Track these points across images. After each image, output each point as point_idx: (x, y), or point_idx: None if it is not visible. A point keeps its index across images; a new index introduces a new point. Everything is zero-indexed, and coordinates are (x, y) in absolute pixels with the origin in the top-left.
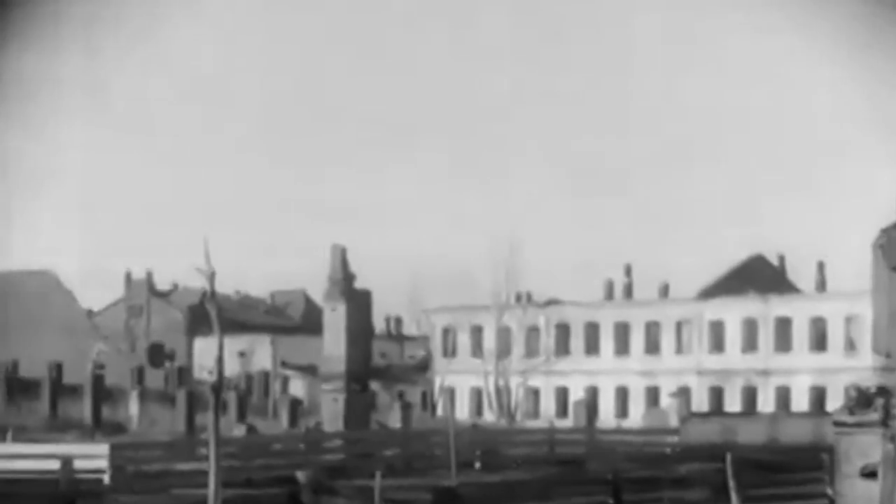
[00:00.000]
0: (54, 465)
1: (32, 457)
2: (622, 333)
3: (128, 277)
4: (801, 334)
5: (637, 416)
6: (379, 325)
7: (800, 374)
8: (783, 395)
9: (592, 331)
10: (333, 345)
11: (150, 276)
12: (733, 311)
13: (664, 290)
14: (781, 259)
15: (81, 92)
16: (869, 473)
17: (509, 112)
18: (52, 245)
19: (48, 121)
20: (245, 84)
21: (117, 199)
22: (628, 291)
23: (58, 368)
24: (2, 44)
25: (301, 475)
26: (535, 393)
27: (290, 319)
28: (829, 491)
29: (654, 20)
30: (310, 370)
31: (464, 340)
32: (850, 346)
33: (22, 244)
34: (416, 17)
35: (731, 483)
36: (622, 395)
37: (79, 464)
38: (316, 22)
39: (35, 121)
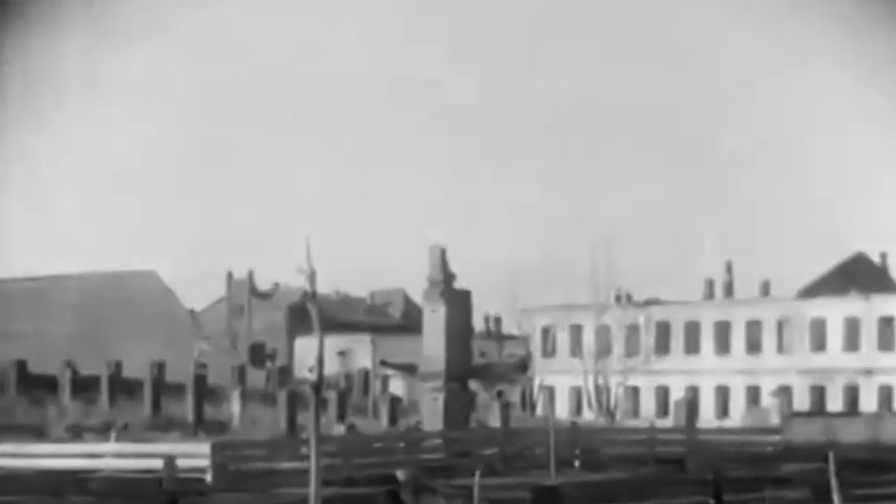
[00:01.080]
0: (157, 463)
1: (135, 456)
2: (723, 332)
3: (229, 277)
4: None
5: (738, 415)
6: (478, 324)
7: None
8: (886, 395)
9: (693, 330)
10: (433, 344)
11: (251, 276)
12: (835, 310)
13: (765, 289)
14: (884, 257)
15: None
16: None
17: (605, 109)
18: (154, 245)
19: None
20: (337, 81)
21: (219, 199)
22: (729, 290)
23: (160, 368)
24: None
25: (401, 474)
26: (635, 392)
27: (389, 319)
28: None
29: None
30: (409, 369)
31: (563, 339)
32: None
33: (124, 245)
34: (533, 17)
35: (834, 483)
36: (723, 394)
37: (181, 463)
38: (425, 18)
39: (113, 121)
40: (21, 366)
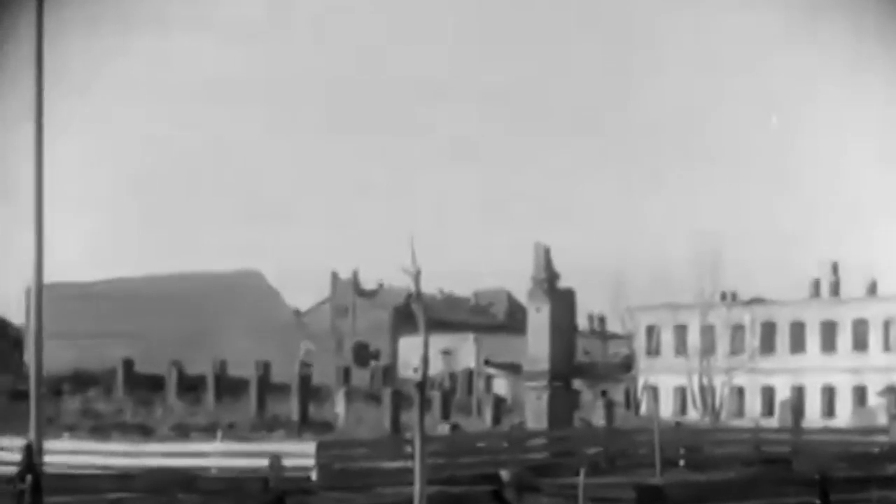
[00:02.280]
0: (263, 463)
1: (241, 455)
2: (829, 332)
3: (334, 278)
4: None
5: (844, 415)
6: (582, 323)
7: None
8: None
9: (798, 329)
10: (537, 343)
11: (355, 276)
12: None
13: (872, 288)
14: None
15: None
16: None
17: (707, 112)
18: (260, 245)
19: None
20: (429, 82)
21: (325, 199)
22: (835, 289)
23: (265, 368)
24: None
25: (505, 473)
26: (740, 392)
27: (493, 318)
28: None
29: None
30: (513, 368)
31: (667, 338)
32: None
33: (229, 245)
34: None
35: None
36: (829, 393)
37: (287, 461)
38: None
39: (217, 120)
40: (128, 366)
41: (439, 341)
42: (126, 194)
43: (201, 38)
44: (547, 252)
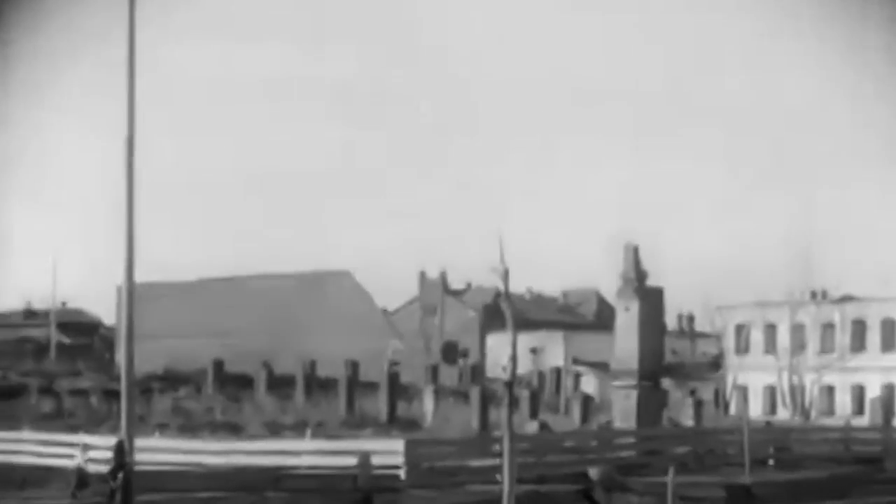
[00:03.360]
0: (351, 461)
1: (330, 453)
2: None
3: (422, 277)
4: None
5: None
6: (671, 322)
7: None
8: None
9: (889, 327)
10: (625, 342)
11: (443, 275)
12: None
13: None
14: None
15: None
16: None
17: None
18: (348, 245)
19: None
20: (519, 82)
21: (414, 199)
22: None
23: (354, 367)
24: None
25: (593, 472)
26: (830, 390)
27: (582, 317)
28: None
29: None
30: (601, 367)
31: (757, 337)
32: None
33: (322, 245)
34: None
35: None
36: None
37: (375, 460)
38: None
39: (309, 120)
40: (218, 365)
41: (528, 340)
42: (217, 195)
43: (312, 38)
44: (636, 251)
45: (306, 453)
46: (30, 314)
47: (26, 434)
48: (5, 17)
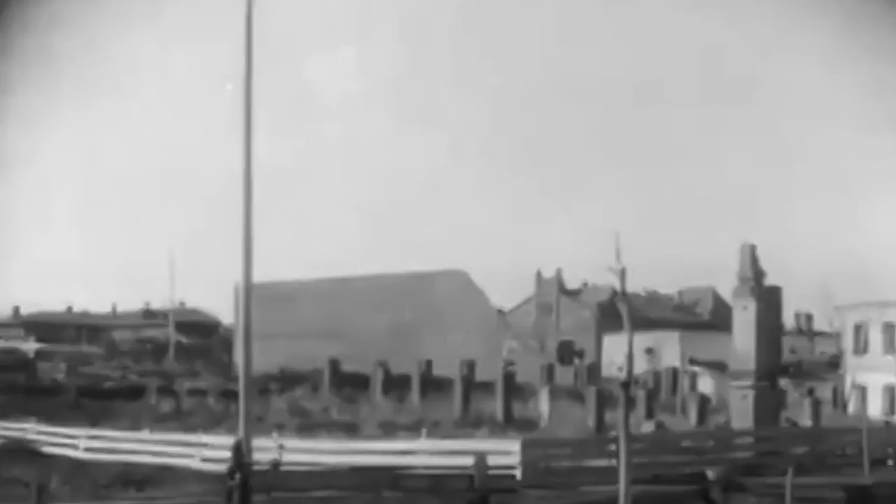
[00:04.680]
0: (467, 461)
1: (446, 453)
2: None
3: (538, 276)
4: None
5: None
6: (789, 321)
7: None
8: None
9: None
10: (743, 342)
11: (559, 274)
12: None
13: None
14: None
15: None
16: None
17: None
18: (464, 244)
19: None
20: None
21: (525, 199)
22: None
23: (470, 366)
24: None
25: (711, 472)
26: None
27: (698, 316)
28: None
29: None
30: (718, 367)
31: (876, 337)
32: None
33: (438, 245)
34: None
35: None
36: None
37: (491, 460)
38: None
39: (423, 121)
40: (335, 365)
41: (644, 339)
42: (329, 195)
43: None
44: (753, 250)
45: (422, 453)
46: (149, 314)
47: (146, 434)
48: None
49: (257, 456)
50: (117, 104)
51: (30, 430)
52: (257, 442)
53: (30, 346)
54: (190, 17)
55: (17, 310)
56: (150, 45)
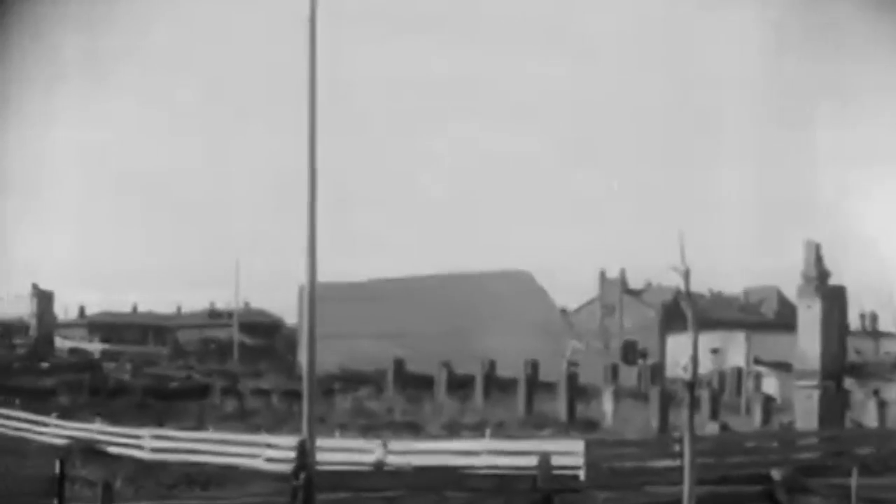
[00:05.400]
0: (531, 461)
1: (510, 453)
2: None
3: (602, 276)
4: None
5: None
6: (854, 321)
7: None
8: None
9: None
10: (808, 342)
11: (623, 274)
12: None
13: None
14: None
15: None
16: None
17: None
18: (528, 245)
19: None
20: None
21: (593, 198)
22: None
23: (534, 367)
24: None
25: (776, 473)
26: None
27: (763, 316)
28: None
29: None
30: (783, 367)
31: None
32: None
33: (502, 245)
34: None
35: None
36: None
37: (554, 460)
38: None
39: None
40: (399, 365)
41: (708, 340)
42: (395, 195)
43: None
44: (818, 249)
45: (485, 453)
46: (214, 315)
47: (210, 434)
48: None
49: (321, 456)
50: (184, 102)
51: (96, 430)
52: (321, 442)
53: (96, 347)
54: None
55: (82, 310)
56: (202, 40)
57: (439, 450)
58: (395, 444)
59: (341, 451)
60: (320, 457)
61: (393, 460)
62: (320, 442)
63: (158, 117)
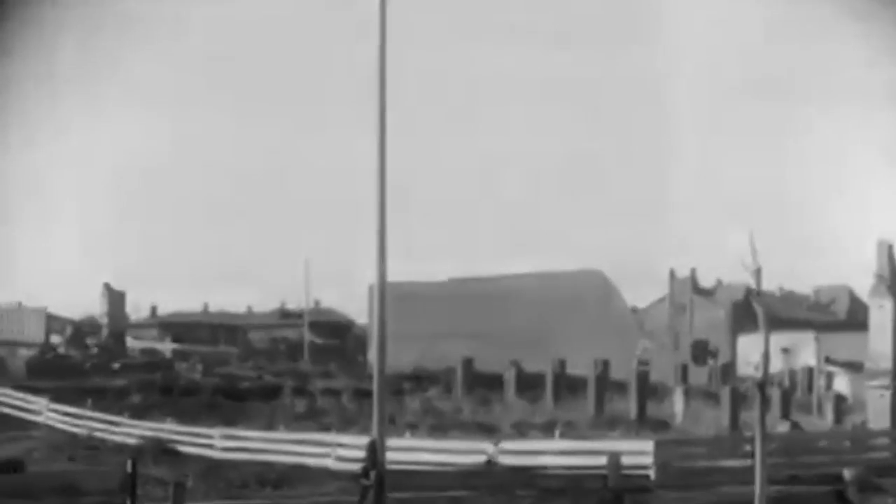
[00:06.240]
0: (601, 461)
1: (580, 453)
2: None
3: (672, 275)
4: None
5: None
6: None
7: None
8: None
9: None
10: (879, 341)
11: (693, 273)
12: None
13: None
14: None
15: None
16: None
17: None
18: (598, 243)
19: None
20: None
21: (661, 197)
22: None
23: (604, 366)
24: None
25: (847, 473)
26: None
27: (834, 315)
28: None
29: None
30: (855, 367)
31: None
32: None
33: (572, 244)
34: None
35: None
36: None
37: (625, 460)
38: None
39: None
40: (468, 365)
41: (779, 339)
42: (463, 194)
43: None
44: (890, 249)
45: (555, 453)
46: (284, 315)
47: (281, 434)
48: None
49: (390, 455)
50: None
51: (167, 429)
52: (391, 441)
53: (167, 347)
54: None
55: (154, 310)
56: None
57: (508, 449)
58: (466, 444)
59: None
60: (390, 456)
61: (463, 460)
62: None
63: (223, 118)
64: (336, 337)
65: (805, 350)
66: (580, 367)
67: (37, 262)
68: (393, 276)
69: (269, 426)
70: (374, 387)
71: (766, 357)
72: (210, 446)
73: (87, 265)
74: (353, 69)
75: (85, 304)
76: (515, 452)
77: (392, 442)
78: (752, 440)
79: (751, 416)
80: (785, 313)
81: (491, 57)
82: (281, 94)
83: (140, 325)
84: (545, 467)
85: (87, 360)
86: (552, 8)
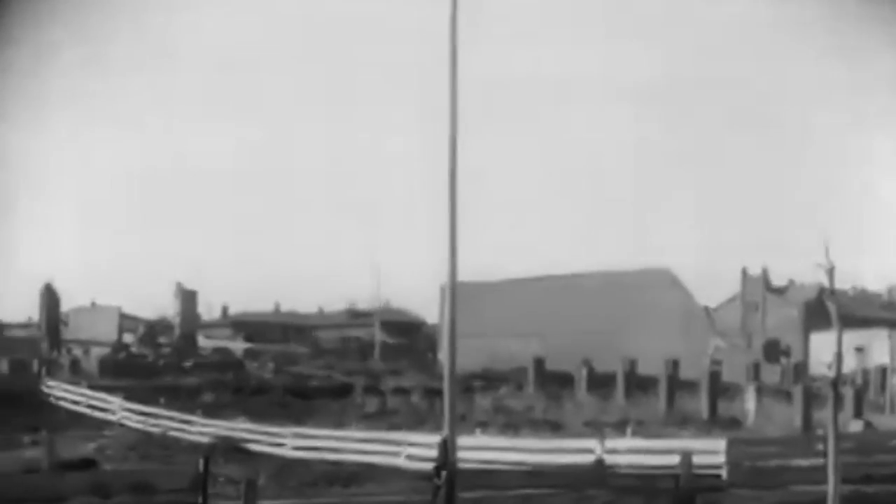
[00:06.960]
0: (673, 460)
1: (651, 452)
2: None
3: (744, 274)
4: None
5: None
6: None
7: None
8: None
9: None
10: None
11: (765, 272)
12: None
13: None
14: None
15: None
16: None
17: None
18: (669, 242)
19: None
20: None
21: (734, 196)
22: None
23: (675, 365)
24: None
25: None
26: None
27: None
28: None
29: None
30: None
31: None
32: None
33: (643, 242)
34: None
35: None
36: None
37: (696, 459)
38: None
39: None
40: (539, 363)
41: (852, 337)
42: (531, 194)
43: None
44: None
45: (627, 452)
46: (354, 314)
47: (351, 432)
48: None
49: (462, 454)
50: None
51: (239, 428)
52: (462, 440)
53: (238, 346)
54: None
55: (225, 310)
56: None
57: (580, 448)
58: (537, 443)
59: (483, 450)
60: (461, 455)
61: (534, 459)
62: (461, 440)
63: (288, 120)
64: (406, 336)
65: (878, 349)
66: (651, 365)
67: (111, 263)
68: (465, 276)
69: (339, 425)
70: (445, 385)
71: (839, 356)
72: (281, 445)
73: (158, 266)
74: (422, 69)
75: (157, 304)
76: (587, 451)
77: (462, 441)
78: (824, 439)
79: (823, 415)
80: (858, 312)
81: (558, 58)
82: (348, 95)
83: (212, 325)
84: (617, 466)
85: (160, 359)
86: (624, 8)
